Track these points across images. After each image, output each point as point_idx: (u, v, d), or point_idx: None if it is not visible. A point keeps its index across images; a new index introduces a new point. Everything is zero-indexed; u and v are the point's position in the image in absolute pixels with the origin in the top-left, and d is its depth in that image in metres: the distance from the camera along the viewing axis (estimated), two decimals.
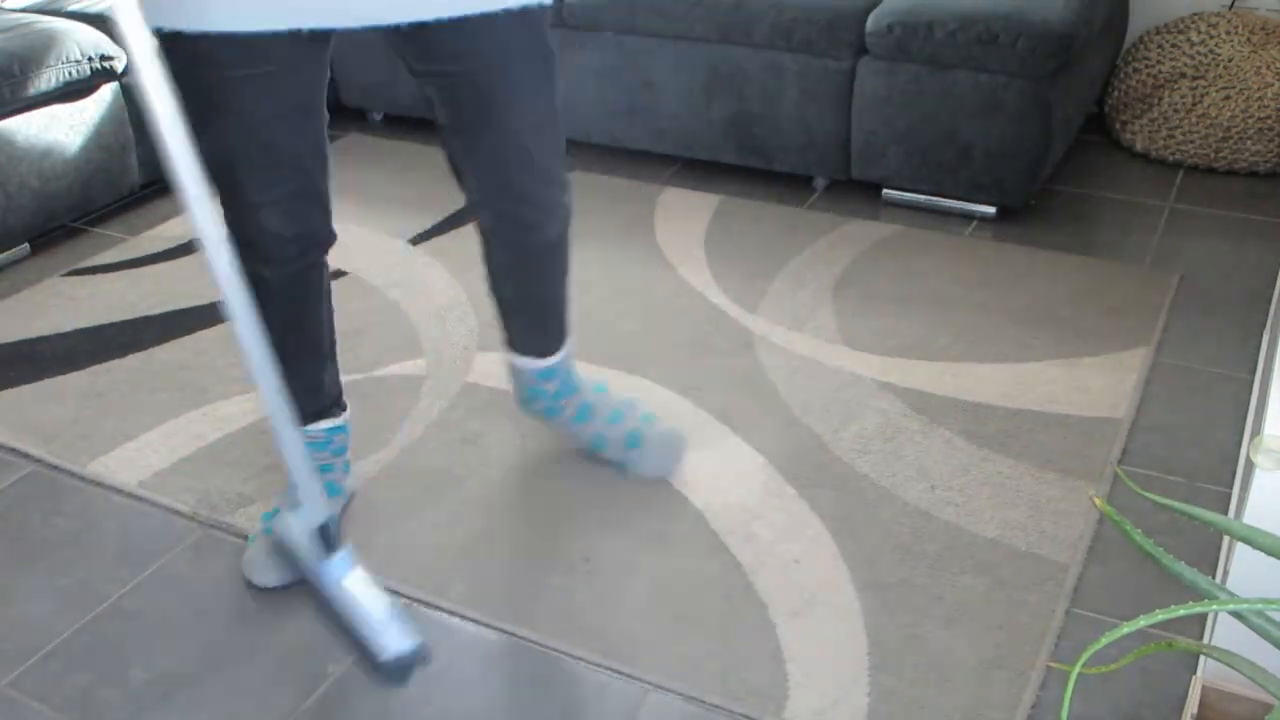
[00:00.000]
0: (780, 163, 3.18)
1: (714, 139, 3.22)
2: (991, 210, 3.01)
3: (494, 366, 2.47)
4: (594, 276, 2.80)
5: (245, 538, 2.03)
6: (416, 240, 3.02)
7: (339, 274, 2.85)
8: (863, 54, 2.98)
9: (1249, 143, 3.15)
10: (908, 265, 2.81)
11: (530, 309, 2.08)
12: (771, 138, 3.14)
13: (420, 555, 1.99)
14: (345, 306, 2.70)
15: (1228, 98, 3.16)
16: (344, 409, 2.07)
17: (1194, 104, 3.20)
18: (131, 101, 3.13)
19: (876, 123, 2.99)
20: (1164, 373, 2.39)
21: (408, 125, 3.73)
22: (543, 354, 2.10)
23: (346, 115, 3.79)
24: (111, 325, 2.71)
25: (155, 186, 3.31)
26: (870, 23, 2.93)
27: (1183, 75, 3.24)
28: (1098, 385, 2.34)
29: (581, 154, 3.42)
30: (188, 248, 3.02)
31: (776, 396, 2.36)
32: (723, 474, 2.15)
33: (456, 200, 2.96)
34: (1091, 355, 2.44)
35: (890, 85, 2.94)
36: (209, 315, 2.71)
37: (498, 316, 2.10)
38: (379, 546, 2.01)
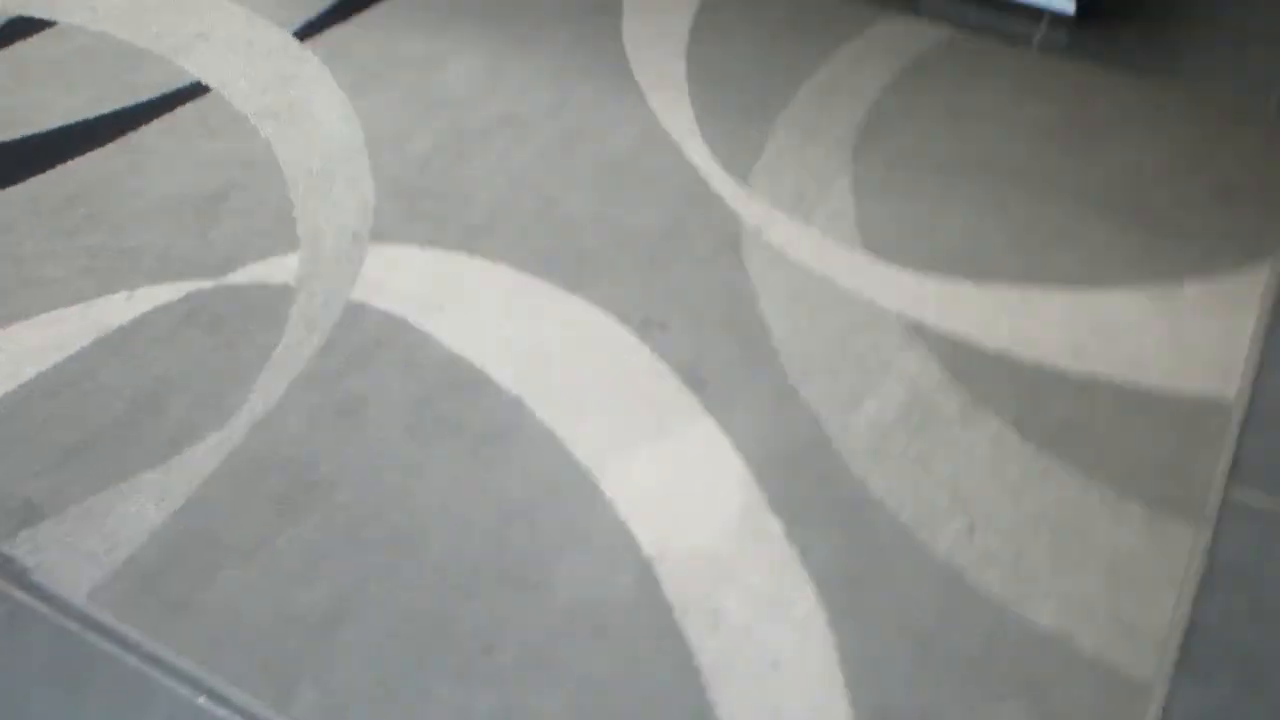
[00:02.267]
0: None
1: None
2: (1069, 6, 2.25)
3: (391, 271, 1.83)
4: (536, 109, 2.09)
5: (29, 587, 1.47)
6: (304, 32, 2.26)
7: (197, 89, 2.13)
8: None
9: None
10: (954, 103, 2.10)
11: None
12: None
13: (258, 632, 1.44)
14: (202, 149, 2.01)
15: None
16: None
17: None
18: None
19: None
20: None
21: None
22: None
23: None
24: None
25: None
26: None
27: None
28: (1201, 335, 1.71)
29: None
30: None
31: (767, 342, 1.74)
32: (686, 491, 1.57)
33: None
34: (1196, 275, 1.80)
35: None
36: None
37: None
38: (200, 609, 1.46)
